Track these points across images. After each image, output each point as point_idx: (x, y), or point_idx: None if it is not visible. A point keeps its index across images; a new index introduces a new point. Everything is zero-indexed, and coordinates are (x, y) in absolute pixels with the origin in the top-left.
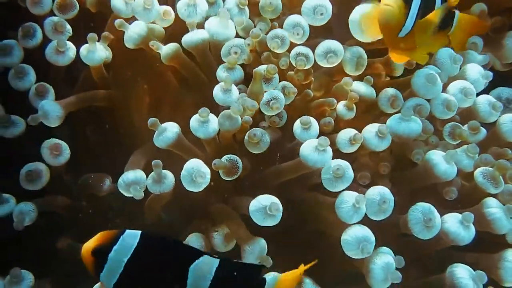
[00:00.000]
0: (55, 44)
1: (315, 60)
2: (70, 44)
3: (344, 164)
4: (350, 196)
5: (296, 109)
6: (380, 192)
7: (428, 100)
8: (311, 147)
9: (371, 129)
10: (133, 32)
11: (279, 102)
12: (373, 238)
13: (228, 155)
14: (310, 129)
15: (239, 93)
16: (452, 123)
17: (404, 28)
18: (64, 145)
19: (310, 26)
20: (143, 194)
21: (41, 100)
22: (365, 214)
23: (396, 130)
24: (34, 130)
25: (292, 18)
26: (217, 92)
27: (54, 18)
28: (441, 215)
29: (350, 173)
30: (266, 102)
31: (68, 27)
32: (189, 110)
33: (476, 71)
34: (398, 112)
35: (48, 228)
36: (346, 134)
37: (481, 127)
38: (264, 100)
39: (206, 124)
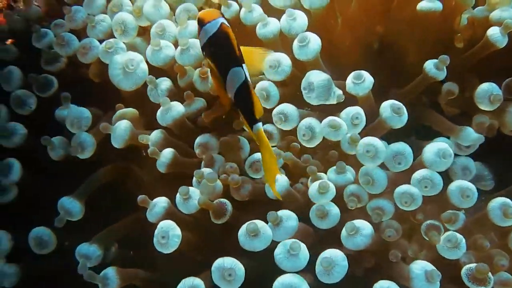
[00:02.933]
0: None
1: None
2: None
3: None
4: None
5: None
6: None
7: None
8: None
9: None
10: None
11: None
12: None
13: (218, 199)
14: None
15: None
16: (428, 222)
17: None
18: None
19: None
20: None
21: None
22: None
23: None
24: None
25: (260, 83)
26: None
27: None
28: None
29: None
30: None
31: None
32: None
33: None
34: None
35: None
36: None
37: (460, 213)
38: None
39: (187, 200)
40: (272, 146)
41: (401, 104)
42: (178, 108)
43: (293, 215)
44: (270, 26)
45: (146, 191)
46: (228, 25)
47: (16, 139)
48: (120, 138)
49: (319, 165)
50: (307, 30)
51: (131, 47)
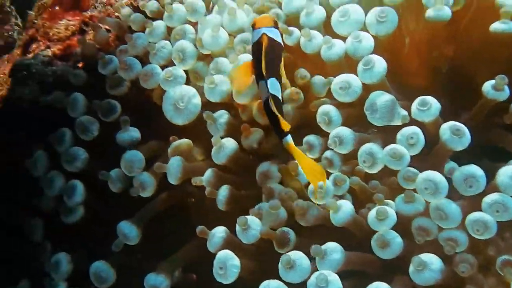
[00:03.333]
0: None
1: None
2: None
3: None
4: None
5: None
6: None
7: None
8: None
9: None
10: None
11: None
12: None
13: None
14: None
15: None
16: (504, 258)
17: None
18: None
19: None
20: None
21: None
22: None
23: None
24: None
25: (322, 108)
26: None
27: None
28: None
29: None
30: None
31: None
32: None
33: None
34: None
35: None
36: None
37: None
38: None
39: (246, 231)
40: (335, 172)
41: (461, 125)
42: (231, 145)
43: (338, 247)
44: (335, 49)
45: (207, 216)
46: (271, 35)
47: (78, 163)
48: (174, 176)
49: (387, 192)
50: (373, 52)
51: (192, 72)
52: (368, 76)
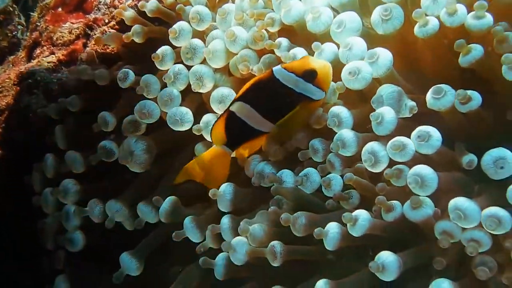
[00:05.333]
0: None
1: None
2: None
3: None
4: None
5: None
6: None
7: None
8: None
9: None
10: None
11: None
12: None
13: None
14: None
15: None
16: None
17: None
18: None
19: None
20: None
21: None
22: None
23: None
24: None
25: (332, 109)
26: None
27: None
28: None
29: None
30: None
31: None
32: None
33: None
34: None
35: None
36: None
37: None
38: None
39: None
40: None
41: (424, 129)
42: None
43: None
44: (324, 54)
45: None
46: (279, 76)
47: (71, 197)
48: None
49: (396, 192)
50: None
51: None
52: (374, 69)
